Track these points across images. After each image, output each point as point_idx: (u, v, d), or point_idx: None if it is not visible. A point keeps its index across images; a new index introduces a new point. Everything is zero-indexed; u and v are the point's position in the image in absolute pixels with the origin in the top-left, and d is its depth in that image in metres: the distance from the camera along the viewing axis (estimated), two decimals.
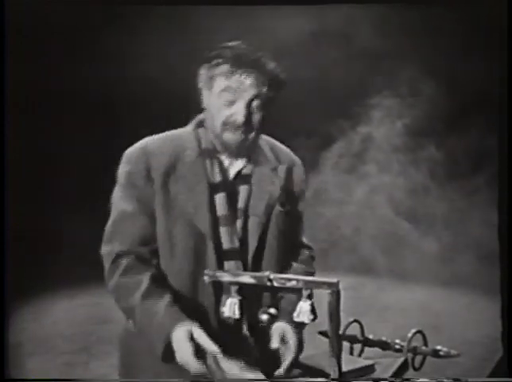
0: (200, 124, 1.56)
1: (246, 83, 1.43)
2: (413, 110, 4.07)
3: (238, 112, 1.44)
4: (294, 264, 1.60)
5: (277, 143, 1.64)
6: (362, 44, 3.90)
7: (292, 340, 1.43)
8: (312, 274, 1.62)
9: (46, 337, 3.62)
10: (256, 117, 1.46)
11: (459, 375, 1.78)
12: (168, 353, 1.38)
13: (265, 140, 1.61)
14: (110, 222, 1.52)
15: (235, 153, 1.52)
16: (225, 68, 1.44)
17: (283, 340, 1.44)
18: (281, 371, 1.40)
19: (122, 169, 1.51)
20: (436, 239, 4.44)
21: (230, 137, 1.47)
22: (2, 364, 2.06)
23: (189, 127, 1.57)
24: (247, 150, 1.52)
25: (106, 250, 1.50)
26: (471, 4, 2.43)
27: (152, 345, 1.40)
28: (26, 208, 2.91)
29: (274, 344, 1.43)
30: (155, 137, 1.56)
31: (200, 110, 1.57)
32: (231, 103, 1.45)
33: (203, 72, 1.49)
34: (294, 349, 1.43)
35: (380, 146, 4.41)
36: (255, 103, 1.45)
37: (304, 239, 1.68)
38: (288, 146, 1.67)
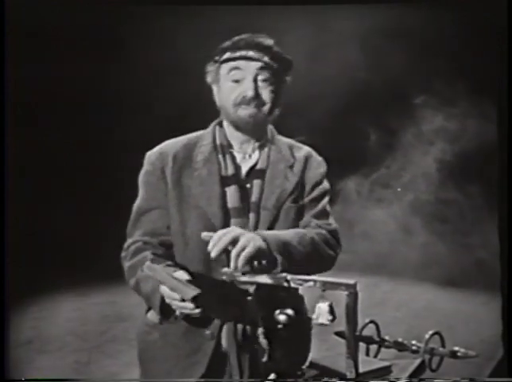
0: (218, 124, 1.63)
1: (248, 60, 1.51)
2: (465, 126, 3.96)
3: (246, 87, 1.52)
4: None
5: (296, 143, 1.69)
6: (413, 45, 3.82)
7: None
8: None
9: (58, 335, 3.63)
10: (266, 91, 1.53)
11: (463, 374, 1.78)
12: (164, 305, 1.41)
13: (283, 140, 1.67)
14: (129, 221, 1.61)
15: (253, 130, 1.57)
16: (227, 54, 1.54)
17: None
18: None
19: (142, 170, 1.61)
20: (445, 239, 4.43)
21: (244, 113, 1.53)
22: (3, 364, 2.07)
23: (208, 128, 1.64)
24: (262, 129, 1.60)
25: (125, 245, 1.59)
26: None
27: (152, 304, 1.46)
28: (35, 204, 2.92)
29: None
30: (174, 139, 1.64)
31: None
32: (238, 81, 1.52)
33: (209, 68, 1.59)
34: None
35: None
36: (261, 77, 1.52)
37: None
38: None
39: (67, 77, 3.45)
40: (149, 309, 1.56)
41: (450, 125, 3.97)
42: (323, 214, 1.63)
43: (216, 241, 1.35)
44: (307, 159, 1.64)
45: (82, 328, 3.74)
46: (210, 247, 1.35)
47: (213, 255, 1.34)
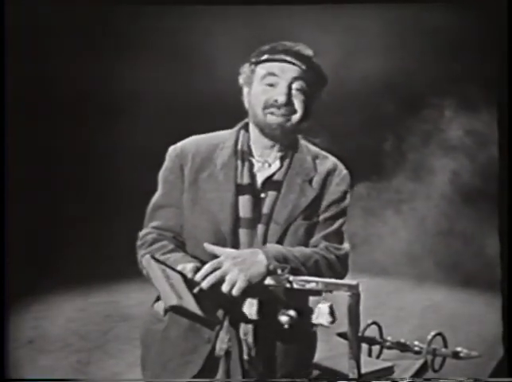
0: (244, 127, 1.60)
1: (285, 66, 1.48)
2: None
3: (279, 92, 1.48)
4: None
5: (323, 153, 1.62)
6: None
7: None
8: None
9: (59, 334, 3.63)
10: (298, 101, 1.49)
11: (464, 374, 1.78)
12: None
13: (310, 149, 1.61)
14: (147, 211, 1.59)
15: (279, 139, 1.52)
16: (264, 57, 1.51)
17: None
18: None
19: (163, 166, 1.59)
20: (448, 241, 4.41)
21: (273, 119, 1.49)
22: (3, 364, 2.07)
23: (233, 129, 1.60)
24: (288, 139, 1.54)
25: (140, 234, 1.58)
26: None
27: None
28: (35, 204, 2.92)
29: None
30: (198, 136, 1.60)
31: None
32: (273, 85, 1.49)
33: (244, 70, 1.56)
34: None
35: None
36: (296, 85, 1.48)
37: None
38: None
39: (68, 77, 3.45)
40: (157, 300, 1.55)
41: (472, 131, 3.95)
42: (336, 236, 1.56)
43: (204, 274, 1.32)
44: (329, 173, 1.57)
45: (83, 328, 3.73)
46: (198, 276, 1.32)
47: (204, 287, 1.31)
